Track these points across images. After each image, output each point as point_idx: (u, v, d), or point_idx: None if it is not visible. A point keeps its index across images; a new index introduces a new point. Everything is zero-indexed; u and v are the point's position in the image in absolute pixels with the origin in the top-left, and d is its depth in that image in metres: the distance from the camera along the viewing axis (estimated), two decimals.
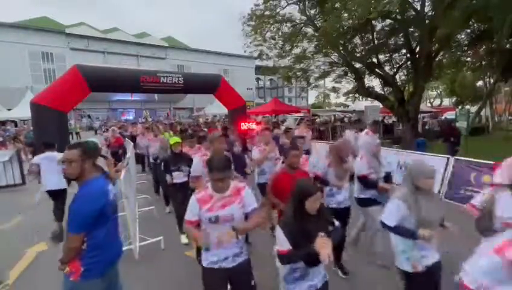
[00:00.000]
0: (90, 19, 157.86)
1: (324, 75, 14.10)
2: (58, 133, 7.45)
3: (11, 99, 21.09)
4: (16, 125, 18.47)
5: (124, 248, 3.62)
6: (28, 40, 28.83)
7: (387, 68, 12.36)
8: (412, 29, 10.66)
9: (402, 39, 11.21)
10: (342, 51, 11.14)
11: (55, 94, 7.85)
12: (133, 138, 9.08)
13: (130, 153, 5.47)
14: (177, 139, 4.17)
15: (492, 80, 16.53)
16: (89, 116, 32.72)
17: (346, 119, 19.02)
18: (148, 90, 10.69)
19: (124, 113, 35.19)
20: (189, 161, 3.85)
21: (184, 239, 4.04)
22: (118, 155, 7.96)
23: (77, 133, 20.33)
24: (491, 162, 4.91)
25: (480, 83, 24.74)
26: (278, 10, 11.61)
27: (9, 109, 19.55)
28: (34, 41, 29.23)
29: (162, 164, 4.21)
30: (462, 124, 10.05)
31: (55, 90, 8.03)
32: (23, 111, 16.27)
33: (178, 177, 4.03)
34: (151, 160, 6.77)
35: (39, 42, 29.54)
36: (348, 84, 15.21)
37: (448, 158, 5.79)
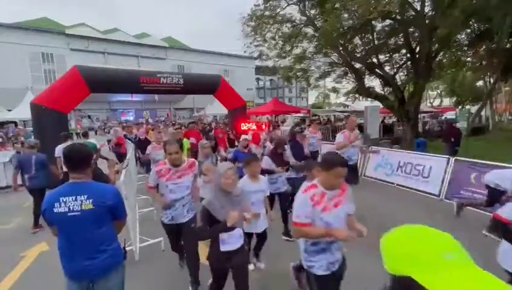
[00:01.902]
0: (90, 19, 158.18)
1: (324, 75, 14.11)
2: (58, 134, 7.43)
3: (11, 100, 21.04)
4: (16, 126, 18.47)
5: None
6: (28, 40, 28.79)
7: (387, 68, 12.38)
8: (412, 29, 10.67)
9: (402, 39, 11.21)
10: (342, 51, 11.15)
11: (55, 95, 7.84)
12: (140, 141, 8.15)
13: (130, 154, 5.47)
14: None
15: (492, 80, 16.53)
16: (89, 117, 32.72)
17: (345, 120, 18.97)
18: (149, 91, 10.66)
19: (124, 114, 35.20)
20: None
21: None
22: (121, 156, 7.91)
23: (77, 134, 20.29)
24: (492, 163, 4.91)
25: (480, 82, 24.75)
26: (278, 11, 11.62)
27: (9, 110, 19.55)
28: (34, 42, 29.18)
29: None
30: (462, 124, 10.05)
31: (55, 91, 8.01)
32: (23, 112, 16.24)
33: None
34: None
35: (39, 43, 29.49)
36: (348, 84, 15.24)
37: (448, 158, 5.79)
